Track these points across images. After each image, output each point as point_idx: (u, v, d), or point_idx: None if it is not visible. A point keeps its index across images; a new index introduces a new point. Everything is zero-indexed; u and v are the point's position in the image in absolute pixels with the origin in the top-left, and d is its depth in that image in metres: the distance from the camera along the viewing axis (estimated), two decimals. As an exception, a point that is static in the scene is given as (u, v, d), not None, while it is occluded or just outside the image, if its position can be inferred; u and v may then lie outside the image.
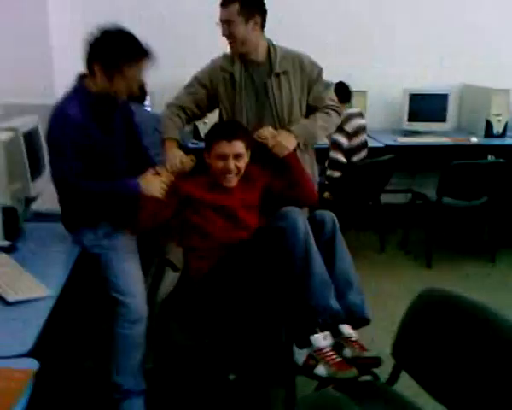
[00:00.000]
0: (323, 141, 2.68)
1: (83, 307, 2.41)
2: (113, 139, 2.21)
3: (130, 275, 2.16)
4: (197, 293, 2.18)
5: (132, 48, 2.06)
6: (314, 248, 1.98)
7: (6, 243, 2.11)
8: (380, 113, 4.81)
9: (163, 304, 2.24)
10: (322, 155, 3.52)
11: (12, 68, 3.26)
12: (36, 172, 2.56)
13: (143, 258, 2.29)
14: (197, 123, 3.96)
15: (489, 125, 4.53)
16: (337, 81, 3.83)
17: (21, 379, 1.31)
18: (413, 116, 4.73)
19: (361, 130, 3.95)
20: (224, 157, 2.23)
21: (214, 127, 2.38)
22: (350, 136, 3.84)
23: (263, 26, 2.42)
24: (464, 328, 1.59)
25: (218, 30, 2.39)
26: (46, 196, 2.65)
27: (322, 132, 2.54)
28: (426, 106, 4.73)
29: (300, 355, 1.91)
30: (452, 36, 4.79)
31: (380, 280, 3.62)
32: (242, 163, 2.27)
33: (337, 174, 3.78)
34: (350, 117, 3.86)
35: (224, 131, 2.29)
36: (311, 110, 2.52)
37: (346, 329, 2.02)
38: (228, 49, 2.48)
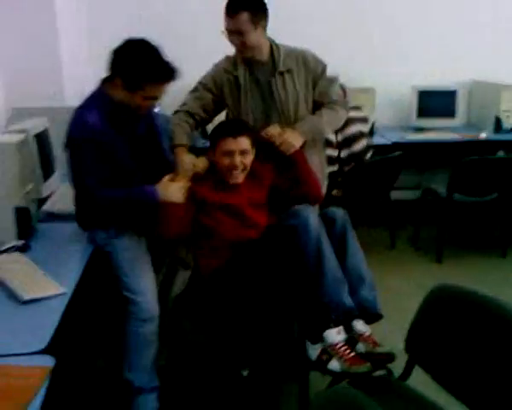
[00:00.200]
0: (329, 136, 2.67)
1: (96, 305, 2.43)
2: (133, 146, 2.21)
3: (140, 274, 2.16)
4: (208, 291, 2.18)
5: (157, 70, 2.02)
6: (326, 246, 1.98)
7: (20, 243, 2.12)
8: (388, 110, 4.79)
9: (175, 302, 2.25)
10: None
11: (22, 73, 3.28)
12: (47, 172, 2.59)
13: (155, 256, 2.30)
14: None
15: (498, 121, 4.49)
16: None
17: (38, 376, 1.32)
18: (422, 113, 4.71)
19: (356, 137, 3.89)
20: (230, 153, 2.24)
21: (219, 126, 2.38)
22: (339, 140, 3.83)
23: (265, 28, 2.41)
24: (476, 323, 1.59)
25: (219, 29, 2.36)
26: (58, 196, 2.68)
27: (328, 127, 2.54)
28: (434, 102, 4.71)
29: (314, 351, 1.91)
30: (460, 32, 4.77)
31: (391, 276, 3.62)
32: (248, 160, 2.28)
33: (332, 169, 3.75)
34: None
35: (229, 129, 2.30)
36: (317, 106, 2.52)
37: (359, 324, 2.02)
38: (230, 52, 2.48)
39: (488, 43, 4.76)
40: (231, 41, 2.36)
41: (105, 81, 2.14)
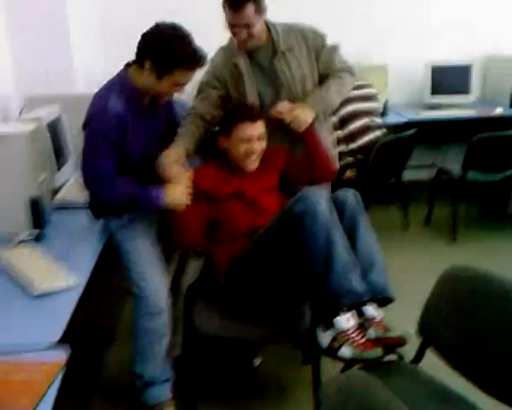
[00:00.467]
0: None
1: (108, 295, 2.45)
2: (151, 134, 2.20)
3: (148, 266, 2.14)
4: (221, 282, 2.18)
5: (189, 55, 1.99)
6: (336, 230, 1.95)
7: (34, 233, 2.14)
8: (401, 87, 4.73)
9: (188, 292, 2.25)
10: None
11: (33, 61, 3.29)
12: (60, 162, 2.60)
13: (166, 244, 2.30)
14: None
15: (514, 95, 4.43)
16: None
17: (52, 369, 1.34)
18: (436, 89, 4.64)
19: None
20: (249, 139, 2.21)
21: (232, 110, 2.33)
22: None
23: None
24: (490, 304, 1.57)
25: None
26: (71, 185, 2.70)
27: (337, 97, 2.47)
28: (448, 79, 4.64)
29: (324, 338, 1.90)
30: (474, 6, 4.67)
31: (404, 257, 3.61)
32: (264, 145, 2.26)
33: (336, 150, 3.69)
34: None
35: (246, 113, 2.24)
36: (322, 78, 2.47)
37: (370, 310, 2.01)
38: (224, 42, 2.44)
39: (502, 18, 4.66)
40: (236, 35, 2.30)
41: (129, 66, 2.11)
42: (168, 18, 2.06)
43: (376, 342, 1.87)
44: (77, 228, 2.29)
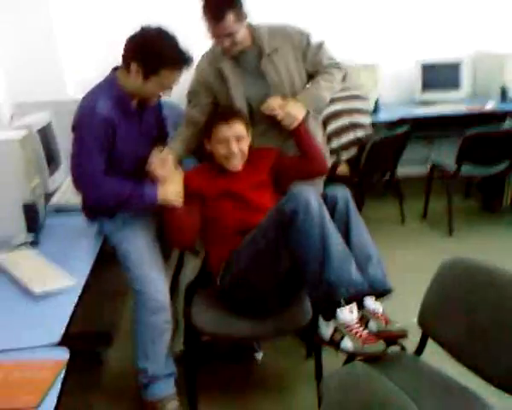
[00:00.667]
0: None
1: (107, 296, 2.44)
2: (139, 137, 2.20)
3: (147, 264, 2.14)
4: (216, 283, 2.19)
5: (175, 56, 2.01)
6: (330, 224, 1.94)
7: (29, 238, 2.13)
8: (392, 85, 4.75)
9: (187, 290, 2.24)
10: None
11: (23, 69, 3.28)
12: (52, 167, 2.59)
13: (164, 244, 2.29)
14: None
15: (504, 90, 4.46)
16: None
17: (53, 369, 1.33)
18: (426, 86, 4.67)
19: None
20: (226, 141, 2.22)
21: (211, 114, 2.36)
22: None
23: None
24: (488, 295, 1.58)
25: None
26: (64, 189, 2.68)
27: (328, 93, 2.46)
28: (439, 75, 4.67)
29: (327, 329, 1.90)
30: (462, 3, 4.71)
31: (402, 251, 3.62)
32: (245, 145, 2.26)
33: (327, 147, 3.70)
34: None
35: (220, 115, 2.28)
36: (311, 76, 2.47)
37: (371, 302, 2.01)
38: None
39: (490, 14, 4.70)
40: (220, 44, 2.29)
41: (116, 70, 2.13)
42: (156, 23, 2.06)
43: (378, 335, 1.87)
44: (72, 231, 2.29)
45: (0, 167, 2.13)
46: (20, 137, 2.19)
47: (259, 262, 2.03)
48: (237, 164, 2.26)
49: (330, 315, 1.89)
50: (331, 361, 2.08)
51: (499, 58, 4.51)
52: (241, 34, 2.28)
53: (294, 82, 2.41)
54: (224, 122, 2.23)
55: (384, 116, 4.36)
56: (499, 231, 3.95)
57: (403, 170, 4.35)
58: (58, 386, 1.28)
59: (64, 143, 2.71)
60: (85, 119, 2.06)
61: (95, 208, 2.24)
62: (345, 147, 3.84)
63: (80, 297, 1.71)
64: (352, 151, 3.84)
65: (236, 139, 2.23)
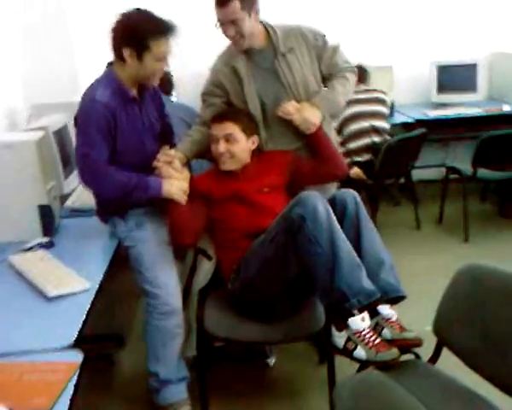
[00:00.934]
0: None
1: (120, 299, 2.45)
2: (141, 129, 2.21)
3: (160, 267, 2.14)
4: (227, 288, 2.18)
5: (157, 24, 2.05)
6: (338, 231, 1.92)
7: (44, 240, 2.15)
8: (406, 87, 4.73)
9: (200, 294, 2.24)
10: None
11: (40, 71, 3.31)
12: (68, 169, 2.60)
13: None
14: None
15: (521, 92, 4.42)
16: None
17: (67, 372, 1.34)
18: (442, 88, 4.63)
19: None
20: (216, 139, 2.24)
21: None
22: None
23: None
24: (505, 303, 1.55)
25: None
26: (80, 192, 2.70)
27: (343, 98, 2.46)
28: (455, 77, 4.63)
29: (340, 338, 1.88)
30: (478, 4, 4.66)
31: (417, 257, 3.59)
32: (236, 147, 2.24)
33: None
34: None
35: (217, 115, 2.29)
36: (326, 78, 2.46)
37: (385, 309, 1.99)
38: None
39: (507, 15, 4.65)
40: (226, 33, 2.28)
41: (111, 64, 2.17)
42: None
43: (392, 342, 1.85)
44: (87, 233, 2.30)
45: (16, 169, 2.15)
46: (37, 138, 2.20)
47: (268, 268, 2.02)
48: (226, 164, 2.25)
49: (342, 325, 1.88)
50: (344, 368, 2.07)
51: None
52: (248, 26, 2.25)
53: (308, 83, 2.39)
54: (216, 122, 2.25)
55: (399, 118, 4.33)
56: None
57: (418, 173, 4.31)
58: (71, 389, 1.29)
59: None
60: (86, 109, 2.09)
61: (102, 201, 2.24)
62: (359, 150, 3.83)
63: (94, 299, 1.72)
64: (365, 156, 3.83)
65: (225, 139, 2.23)
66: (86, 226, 2.35)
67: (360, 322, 1.86)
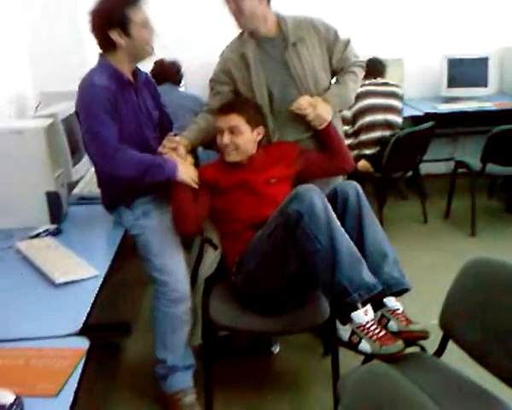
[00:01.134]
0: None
1: (128, 286, 2.46)
2: (140, 114, 2.21)
3: (169, 254, 2.16)
4: (230, 279, 2.19)
5: None
6: (337, 226, 1.90)
7: (52, 227, 2.15)
8: (417, 80, 4.70)
9: (206, 283, 2.25)
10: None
11: (49, 58, 3.31)
12: (76, 156, 2.61)
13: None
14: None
15: (532, 87, 4.38)
16: (371, 57, 3.77)
17: (73, 358, 1.34)
18: (452, 82, 4.59)
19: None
20: (219, 130, 2.23)
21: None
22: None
23: (269, 0, 2.33)
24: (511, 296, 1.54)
25: None
26: (87, 179, 2.71)
27: (353, 94, 2.46)
28: (465, 71, 4.59)
29: (345, 332, 1.88)
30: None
31: (424, 251, 3.59)
32: (240, 139, 2.22)
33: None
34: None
35: (223, 106, 2.28)
36: (335, 72, 2.45)
37: (391, 301, 1.99)
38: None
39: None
40: (229, 8, 2.28)
41: (102, 55, 2.17)
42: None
43: (398, 335, 1.85)
44: (95, 221, 2.30)
45: (24, 155, 2.15)
46: (46, 125, 2.21)
47: (267, 263, 2.01)
48: (230, 155, 2.25)
49: (346, 319, 1.87)
50: (348, 360, 2.07)
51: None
52: (249, 5, 2.23)
53: (318, 76, 2.38)
54: (222, 114, 2.25)
55: (409, 112, 4.31)
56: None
57: (426, 167, 4.29)
58: (77, 375, 1.29)
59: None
60: (88, 95, 2.08)
61: (108, 190, 2.24)
62: (368, 143, 3.81)
63: (101, 287, 1.72)
64: (374, 149, 3.81)
65: (230, 131, 2.22)
66: (94, 214, 2.35)
67: (363, 315, 1.85)
